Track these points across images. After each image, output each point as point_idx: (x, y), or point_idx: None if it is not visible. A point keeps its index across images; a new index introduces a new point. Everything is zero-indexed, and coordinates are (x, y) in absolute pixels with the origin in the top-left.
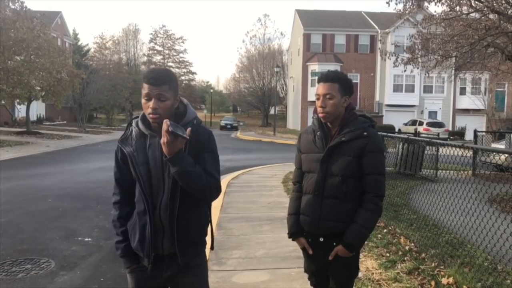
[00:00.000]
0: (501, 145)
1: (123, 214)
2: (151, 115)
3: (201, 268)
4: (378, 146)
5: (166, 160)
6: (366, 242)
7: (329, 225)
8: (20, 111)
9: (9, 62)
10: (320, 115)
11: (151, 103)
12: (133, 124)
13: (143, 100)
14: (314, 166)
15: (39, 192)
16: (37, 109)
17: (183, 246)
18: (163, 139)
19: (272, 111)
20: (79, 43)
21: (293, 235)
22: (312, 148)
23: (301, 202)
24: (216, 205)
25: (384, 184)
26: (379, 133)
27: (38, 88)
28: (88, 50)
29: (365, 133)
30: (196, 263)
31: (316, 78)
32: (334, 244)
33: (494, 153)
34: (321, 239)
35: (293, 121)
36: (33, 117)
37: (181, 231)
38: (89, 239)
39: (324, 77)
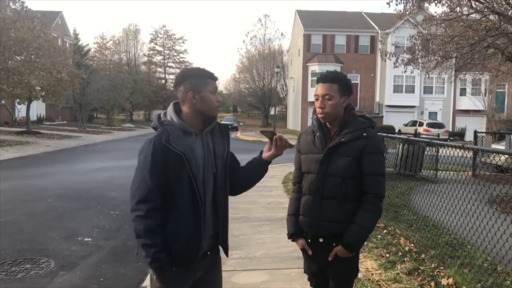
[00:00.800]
0: (501, 146)
1: (160, 221)
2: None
3: (220, 265)
4: (378, 147)
5: (266, 163)
6: (365, 243)
7: (329, 226)
8: (20, 111)
9: (10, 62)
10: (319, 115)
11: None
12: (173, 123)
13: None
14: (314, 167)
15: (39, 192)
16: (37, 109)
17: (226, 242)
18: (280, 150)
19: (272, 112)
20: (80, 43)
21: (292, 236)
22: (312, 149)
23: (300, 203)
24: None
25: (384, 185)
26: (379, 133)
27: (38, 88)
28: (89, 50)
29: (364, 134)
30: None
31: (316, 78)
32: (334, 244)
33: (494, 154)
34: (321, 240)
35: (293, 121)
36: (33, 117)
37: (225, 228)
38: (89, 239)
39: (323, 78)
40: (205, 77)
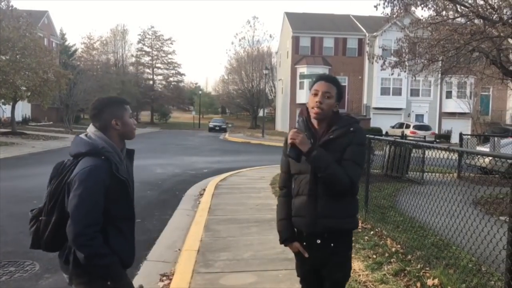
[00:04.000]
0: (485, 148)
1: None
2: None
3: None
4: (362, 140)
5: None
6: (353, 244)
7: (326, 223)
8: (5, 111)
9: None
10: (315, 110)
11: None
12: (111, 150)
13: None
14: (306, 167)
15: (23, 193)
16: (23, 109)
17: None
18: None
19: (261, 113)
20: (66, 43)
21: (286, 241)
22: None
23: (291, 206)
24: (203, 207)
25: (359, 174)
26: (368, 135)
27: (24, 88)
28: (76, 50)
29: (351, 129)
30: None
31: (312, 78)
32: (332, 244)
33: (479, 156)
34: (318, 241)
35: (282, 123)
36: (18, 117)
37: None
38: None
39: (326, 77)
40: (122, 103)
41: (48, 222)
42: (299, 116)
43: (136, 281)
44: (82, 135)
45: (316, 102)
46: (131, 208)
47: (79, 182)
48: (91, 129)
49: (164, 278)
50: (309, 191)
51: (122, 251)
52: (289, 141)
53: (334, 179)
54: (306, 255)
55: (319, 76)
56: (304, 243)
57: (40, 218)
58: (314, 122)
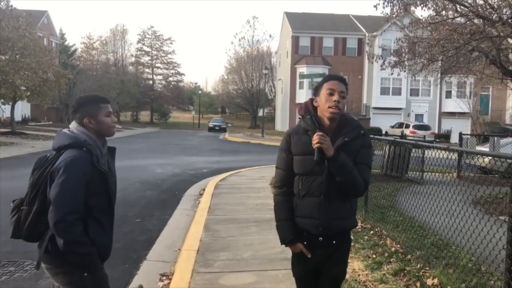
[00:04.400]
0: (485, 148)
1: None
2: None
3: None
4: (370, 142)
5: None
6: (352, 244)
7: (339, 224)
8: (5, 111)
9: None
10: (332, 110)
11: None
12: (92, 143)
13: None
14: (319, 169)
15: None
16: (22, 109)
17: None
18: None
19: (260, 113)
20: (66, 43)
21: (290, 241)
22: (311, 150)
23: (293, 206)
24: (203, 207)
25: (370, 174)
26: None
27: (23, 88)
28: (75, 50)
29: (361, 131)
30: None
31: (325, 76)
32: (334, 242)
33: (478, 156)
34: (320, 239)
35: (282, 123)
36: (18, 117)
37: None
38: None
39: (339, 78)
40: (98, 102)
41: (29, 212)
42: (305, 114)
43: (136, 281)
44: (65, 130)
45: (334, 101)
46: (110, 203)
47: (63, 170)
48: (73, 125)
49: (164, 277)
50: (325, 193)
51: (101, 244)
52: (314, 145)
53: (353, 184)
54: (309, 255)
55: (332, 75)
56: (305, 243)
57: (22, 208)
58: (325, 121)
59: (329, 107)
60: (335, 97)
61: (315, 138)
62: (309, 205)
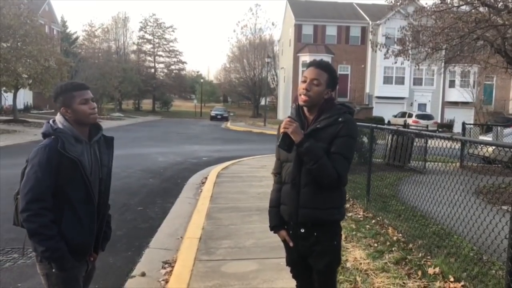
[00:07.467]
0: (488, 138)
1: (53, 218)
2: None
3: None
4: (351, 131)
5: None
6: (354, 233)
7: (307, 213)
8: (7, 99)
9: None
10: (302, 97)
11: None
12: (66, 131)
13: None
14: (291, 155)
15: None
16: (24, 97)
17: (99, 242)
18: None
19: (262, 102)
20: (68, 30)
21: (274, 228)
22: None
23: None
24: (205, 196)
25: (347, 168)
26: (370, 124)
27: (25, 76)
28: (77, 38)
29: (340, 119)
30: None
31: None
32: (315, 234)
33: (481, 146)
34: (302, 230)
35: (284, 112)
36: (20, 105)
37: (100, 229)
38: None
39: (316, 63)
40: (71, 91)
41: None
42: (293, 103)
43: (138, 268)
44: (50, 120)
45: (303, 89)
46: (89, 193)
47: (28, 161)
48: (57, 115)
49: (166, 265)
50: (293, 179)
51: (73, 237)
52: (281, 130)
53: (322, 173)
54: (291, 244)
55: (310, 62)
56: (290, 232)
57: (17, 197)
58: (305, 109)
59: (299, 95)
60: (305, 85)
61: (283, 123)
62: (284, 192)
